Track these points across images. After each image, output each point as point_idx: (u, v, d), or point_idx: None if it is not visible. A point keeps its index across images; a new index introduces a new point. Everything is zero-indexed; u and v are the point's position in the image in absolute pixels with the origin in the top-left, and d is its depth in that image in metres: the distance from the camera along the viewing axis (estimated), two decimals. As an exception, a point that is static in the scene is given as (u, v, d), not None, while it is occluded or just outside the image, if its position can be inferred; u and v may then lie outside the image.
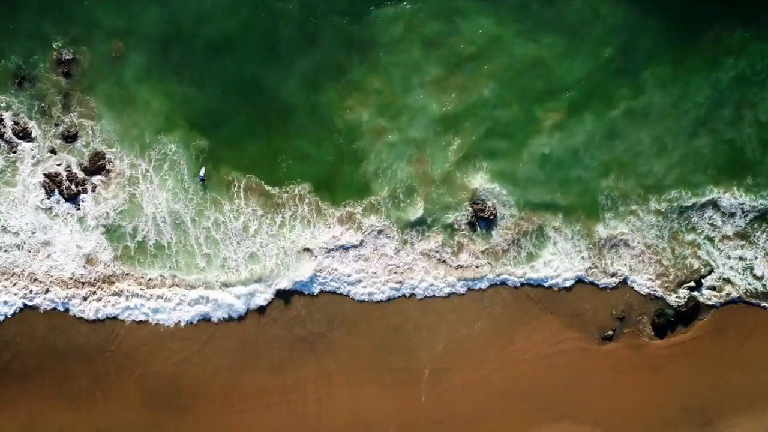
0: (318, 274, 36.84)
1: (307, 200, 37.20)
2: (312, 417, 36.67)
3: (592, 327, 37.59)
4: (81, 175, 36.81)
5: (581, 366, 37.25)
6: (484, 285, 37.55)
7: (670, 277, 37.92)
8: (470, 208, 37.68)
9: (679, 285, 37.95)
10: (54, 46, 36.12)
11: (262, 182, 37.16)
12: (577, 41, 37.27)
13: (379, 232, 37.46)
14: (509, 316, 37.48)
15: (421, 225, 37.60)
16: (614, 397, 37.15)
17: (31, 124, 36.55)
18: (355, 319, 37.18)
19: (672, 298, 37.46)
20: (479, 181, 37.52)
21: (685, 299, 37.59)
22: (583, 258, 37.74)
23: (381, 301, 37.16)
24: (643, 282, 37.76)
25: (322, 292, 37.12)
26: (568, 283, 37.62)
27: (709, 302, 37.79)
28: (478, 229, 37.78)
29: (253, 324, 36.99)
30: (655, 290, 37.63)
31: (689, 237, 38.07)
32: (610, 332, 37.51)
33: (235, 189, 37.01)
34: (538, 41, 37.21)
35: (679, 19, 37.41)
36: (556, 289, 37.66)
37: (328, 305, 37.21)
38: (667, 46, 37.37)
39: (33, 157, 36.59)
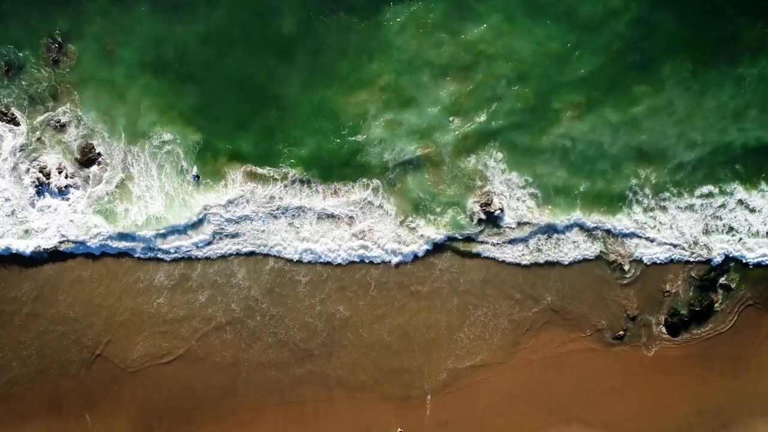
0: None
1: (298, 183, 36.42)
2: (310, 419, 36.10)
3: (602, 327, 36.70)
4: (71, 167, 35.95)
5: (592, 367, 36.49)
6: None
7: (689, 271, 37.09)
8: (476, 204, 36.43)
9: (697, 281, 37.06)
10: (44, 39, 35.37)
11: (257, 167, 36.26)
12: (586, 34, 36.08)
13: (378, 217, 36.58)
14: (516, 315, 36.57)
15: (425, 214, 36.56)
16: (626, 399, 36.42)
17: (19, 114, 35.70)
18: (355, 322, 36.35)
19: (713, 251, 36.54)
20: (495, 171, 36.46)
21: (701, 298, 36.85)
22: (598, 251, 36.81)
23: (381, 262, 36.56)
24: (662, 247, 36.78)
25: (314, 263, 36.33)
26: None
27: (721, 302, 36.97)
28: (483, 225, 36.62)
29: (246, 327, 36.24)
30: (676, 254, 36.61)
31: (714, 234, 36.99)
32: (622, 332, 36.62)
33: (231, 177, 36.24)
34: (547, 34, 36.10)
35: (694, 15, 36.13)
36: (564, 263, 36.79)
37: (327, 310, 36.38)
38: (683, 42, 36.11)
39: (21, 147, 35.77)
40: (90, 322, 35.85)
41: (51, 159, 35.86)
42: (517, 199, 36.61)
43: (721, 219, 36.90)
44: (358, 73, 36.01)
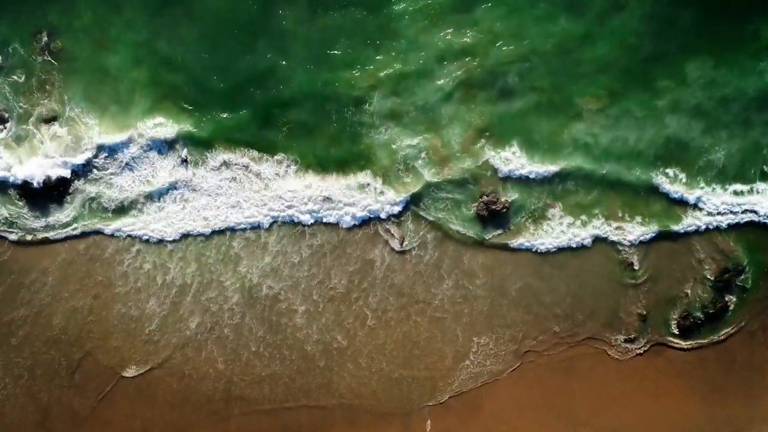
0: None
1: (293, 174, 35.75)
2: (307, 425, 35.21)
3: (612, 328, 35.70)
4: (61, 162, 34.96)
5: (601, 371, 35.53)
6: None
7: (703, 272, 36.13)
8: (482, 201, 35.30)
9: (711, 281, 36.03)
10: (33, 32, 34.87)
11: (255, 151, 35.65)
12: (598, 27, 35.37)
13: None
14: (520, 316, 35.59)
15: (432, 206, 35.71)
16: (636, 405, 35.48)
17: (7, 114, 35.07)
18: (354, 352, 35.49)
19: None
20: (507, 167, 35.36)
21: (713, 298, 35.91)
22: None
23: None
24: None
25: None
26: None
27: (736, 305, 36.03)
28: (488, 225, 35.60)
29: (239, 355, 35.45)
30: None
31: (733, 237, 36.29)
32: (632, 335, 35.62)
33: (225, 161, 35.67)
34: (557, 27, 35.36)
35: (709, 13, 35.41)
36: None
37: (324, 339, 35.50)
38: (701, 38, 35.37)
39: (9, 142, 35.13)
40: (77, 332, 35.09)
41: (40, 155, 34.97)
42: (529, 196, 35.62)
43: (757, 213, 35.99)
44: (363, 61, 35.21)
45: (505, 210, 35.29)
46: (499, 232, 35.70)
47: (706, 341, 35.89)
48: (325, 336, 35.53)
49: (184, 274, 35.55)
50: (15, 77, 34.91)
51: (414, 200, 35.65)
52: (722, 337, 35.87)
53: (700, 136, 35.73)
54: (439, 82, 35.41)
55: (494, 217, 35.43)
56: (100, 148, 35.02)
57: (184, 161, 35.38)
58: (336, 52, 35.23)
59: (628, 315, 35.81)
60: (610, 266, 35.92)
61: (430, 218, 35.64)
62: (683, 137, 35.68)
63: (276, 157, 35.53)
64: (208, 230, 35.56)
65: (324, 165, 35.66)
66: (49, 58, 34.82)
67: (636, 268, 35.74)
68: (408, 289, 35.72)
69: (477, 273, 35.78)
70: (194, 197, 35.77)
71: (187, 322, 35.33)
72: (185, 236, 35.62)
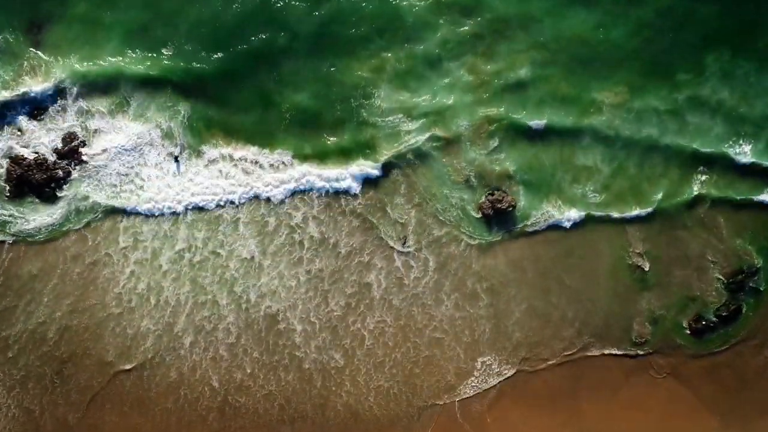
0: None
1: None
2: None
3: (621, 332, 34.99)
4: (52, 159, 34.20)
5: (609, 376, 34.89)
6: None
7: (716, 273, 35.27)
8: (487, 199, 34.31)
9: (724, 283, 35.21)
10: (25, 21, 34.14)
11: (255, 147, 34.93)
12: (612, 20, 34.30)
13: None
14: (523, 318, 34.94)
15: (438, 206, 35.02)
16: (646, 411, 34.87)
17: None
18: (352, 370, 35.08)
19: None
20: (517, 164, 34.67)
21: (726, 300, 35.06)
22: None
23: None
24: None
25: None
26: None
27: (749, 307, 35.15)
28: (492, 225, 34.81)
29: (234, 376, 35.10)
30: None
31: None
32: (643, 339, 34.87)
33: (223, 155, 35.15)
34: (568, 18, 34.26)
35: (729, 8, 34.35)
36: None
37: (322, 358, 35.13)
38: (719, 32, 34.31)
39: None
40: (71, 348, 34.86)
41: (30, 150, 34.22)
42: (541, 198, 34.79)
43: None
44: (368, 50, 34.21)
45: (510, 209, 34.25)
46: (504, 231, 34.85)
47: (718, 345, 35.13)
48: (323, 356, 35.15)
49: (178, 294, 35.13)
50: (5, 66, 34.14)
51: (408, 165, 34.73)
52: (735, 342, 35.14)
53: (722, 133, 34.73)
54: (446, 68, 34.36)
55: (499, 215, 34.44)
56: (83, 77, 34.24)
57: (176, 158, 34.74)
58: (341, 33, 34.24)
59: (639, 319, 35.07)
60: (619, 270, 35.05)
61: (433, 208, 34.84)
62: (707, 134, 34.64)
63: (276, 152, 34.79)
64: (212, 204, 35.02)
65: (323, 156, 34.93)
66: (41, 51, 34.13)
67: (646, 270, 34.83)
68: (406, 311, 35.21)
69: (480, 289, 35.13)
70: (186, 198, 35.12)
71: (181, 339, 35.05)
72: (181, 249, 35.14)
